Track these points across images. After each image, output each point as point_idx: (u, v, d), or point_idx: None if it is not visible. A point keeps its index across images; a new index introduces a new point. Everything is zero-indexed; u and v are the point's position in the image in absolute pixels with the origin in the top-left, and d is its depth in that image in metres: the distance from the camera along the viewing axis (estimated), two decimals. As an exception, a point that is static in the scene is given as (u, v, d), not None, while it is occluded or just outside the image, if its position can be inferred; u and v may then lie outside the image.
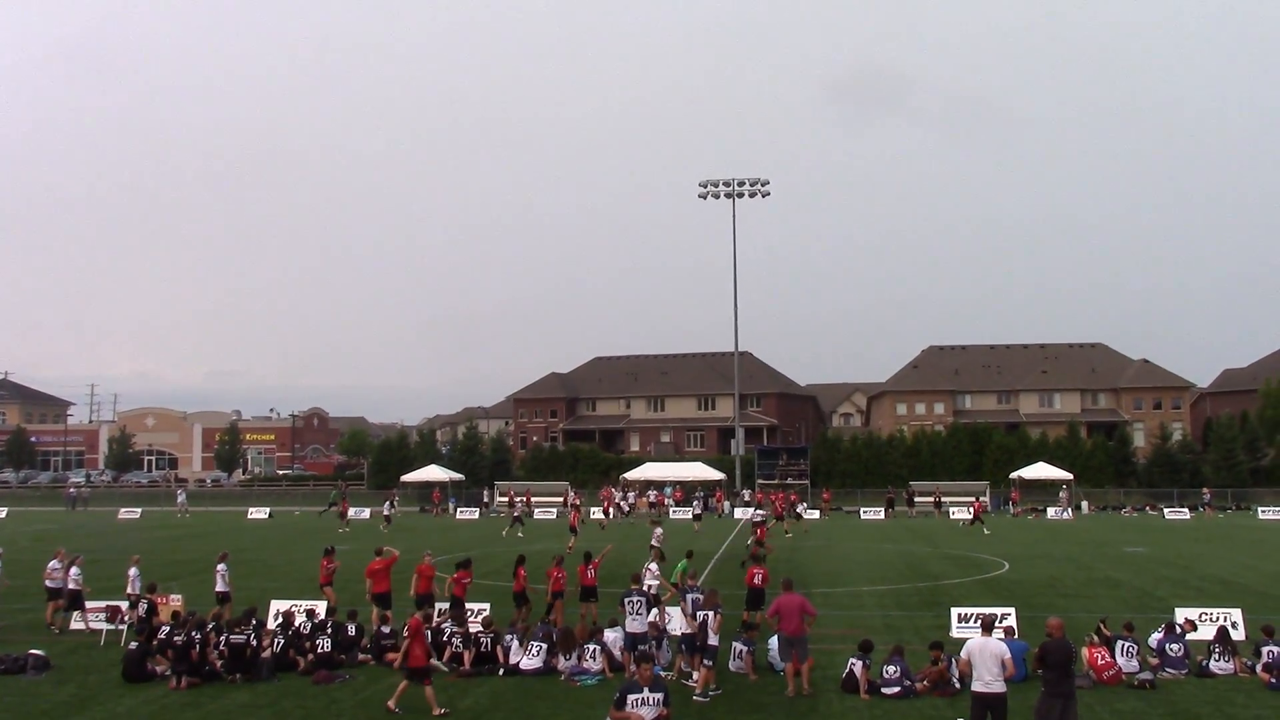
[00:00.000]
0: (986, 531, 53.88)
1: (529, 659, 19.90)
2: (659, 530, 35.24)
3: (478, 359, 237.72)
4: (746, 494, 78.96)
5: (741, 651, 19.71)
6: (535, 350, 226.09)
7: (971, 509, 61.08)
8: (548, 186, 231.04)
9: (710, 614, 18.12)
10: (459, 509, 76.04)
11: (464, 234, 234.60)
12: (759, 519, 47.41)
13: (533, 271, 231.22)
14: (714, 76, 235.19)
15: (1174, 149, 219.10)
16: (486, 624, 21.26)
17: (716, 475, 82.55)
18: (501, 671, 19.74)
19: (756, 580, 23.30)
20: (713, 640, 17.96)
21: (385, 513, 62.47)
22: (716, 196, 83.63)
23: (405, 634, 17.59)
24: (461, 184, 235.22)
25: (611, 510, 68.44)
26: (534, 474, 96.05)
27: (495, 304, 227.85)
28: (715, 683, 18.17)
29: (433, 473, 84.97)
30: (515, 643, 20.29)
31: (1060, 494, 74.60)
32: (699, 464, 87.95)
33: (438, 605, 22.87)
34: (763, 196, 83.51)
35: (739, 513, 71.27)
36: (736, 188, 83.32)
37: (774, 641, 19.44)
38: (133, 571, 24.90)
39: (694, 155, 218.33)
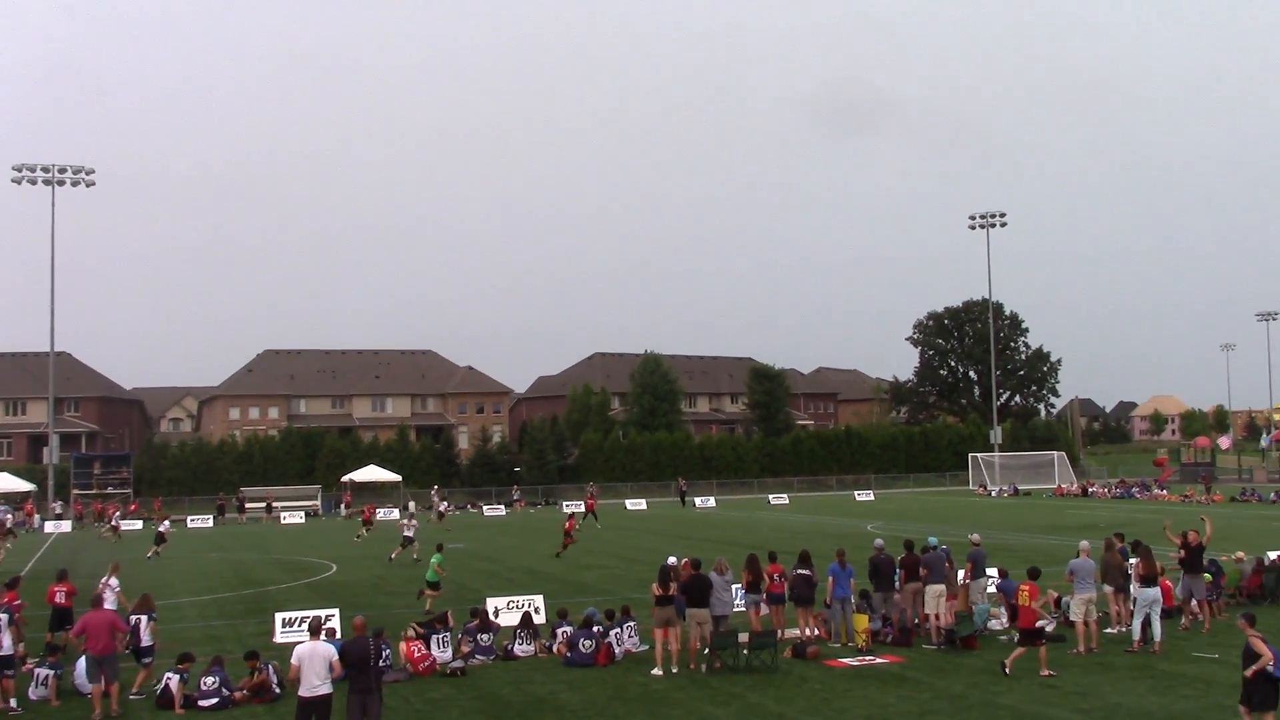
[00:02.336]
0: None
1: None
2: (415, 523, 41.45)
3: None
4: (58, 506, 72.78)
5: (45, 677, 18.19)
6: None
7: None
8: None
9: (144, 618, 18.98)
10: None
11: None
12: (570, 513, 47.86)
13: None
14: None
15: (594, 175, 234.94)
16: None
17: (26, 486, 75.26)
18: None
19: (59, 599, 21.69)
20: (147, 641, 18.89)
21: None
22: (34, 183, 75.96)
23: None
24: None
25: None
26: None
27: None
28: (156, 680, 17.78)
29: None
30: None
31: (433, 494, 76.67)
32: (4, 474, 79.66)
33: None
34: (86, 186, 77.35)
35: (50, 526, 65.62)
36: (57, 174, 76.22)
37: (81, 663, 18.14)
38: None
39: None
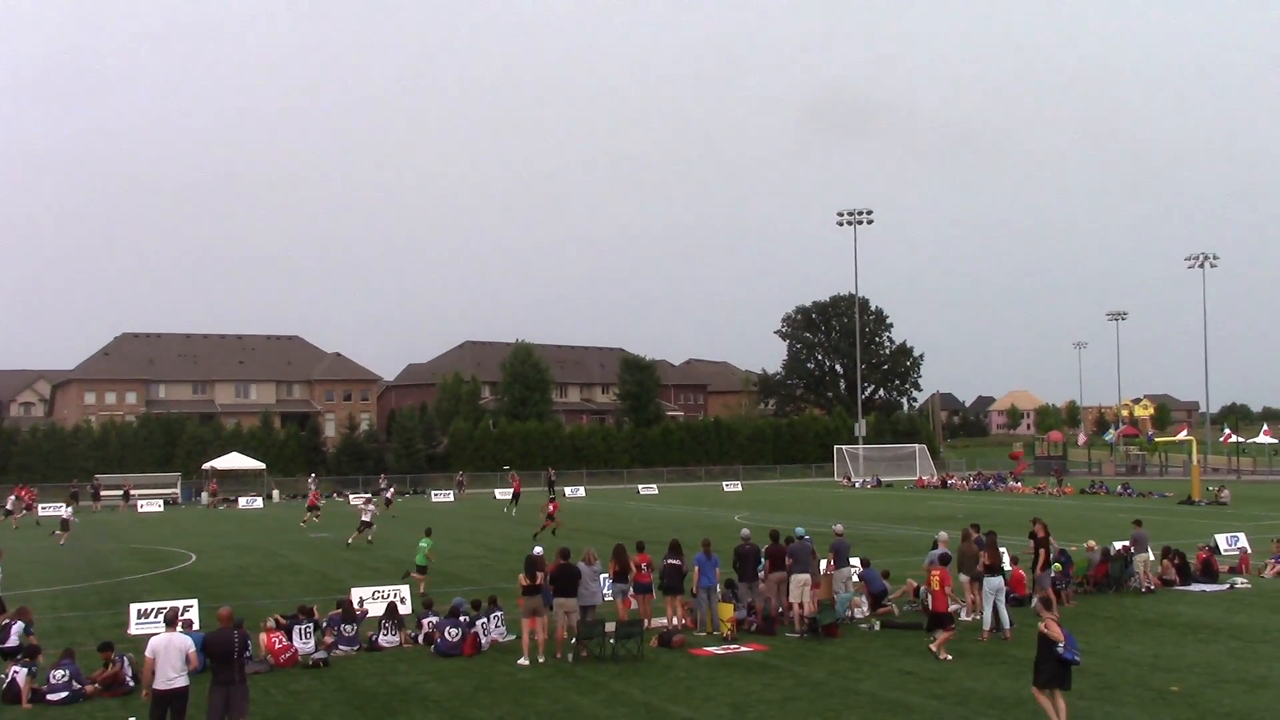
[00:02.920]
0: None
1: None
2: (372, 507, 42.95)
3: None
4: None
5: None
6: None
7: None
8: None
9: (19, 624, 19.21)
10: None
11: None
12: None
13: None
14: None
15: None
16: None
17: None
18: None
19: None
20: (13, 643, 18.86)
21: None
22: None
23: None
24: None
25: None
26: None
27: None
28: None
29: None
30: None
31: (309, 480, 75.50)
32: None
33: None
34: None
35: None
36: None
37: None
38: None
39: None
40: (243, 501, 70.68)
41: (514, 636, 20.67)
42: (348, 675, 18.62)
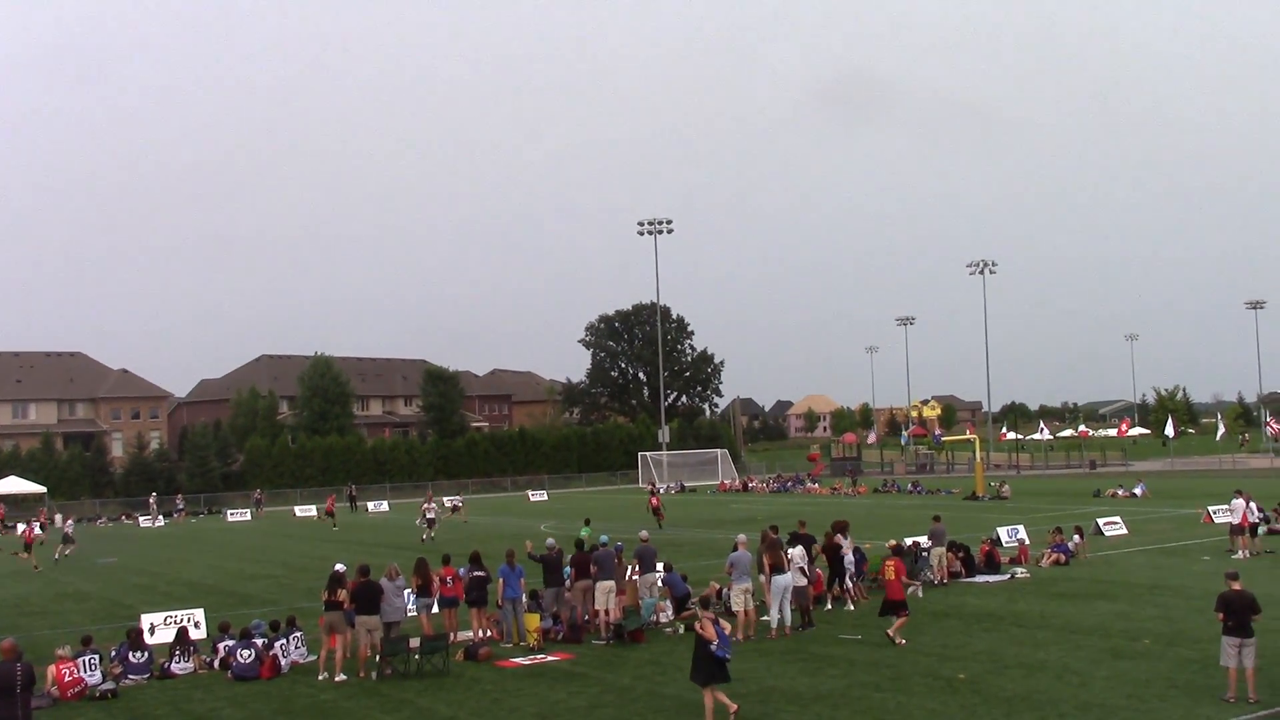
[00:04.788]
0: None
1: None
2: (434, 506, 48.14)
3: None
4: None
5: None
6: None
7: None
8: None
9: None
10: None
11: None
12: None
13: None
14: None
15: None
16: None
17: None
18: None
19: None
20: None
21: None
22: None
23: None
24: None
25: None
26: None
27: None
28: None
29: None
30: None
31: (150, 501, 72.62)
32: None
33: None
34: None
35: None
36: None
37: None
38: None
39: None
40: (21, 527, 66.71)
41: (315, 657, 20.20)
42: (138, 706, 17.87)
